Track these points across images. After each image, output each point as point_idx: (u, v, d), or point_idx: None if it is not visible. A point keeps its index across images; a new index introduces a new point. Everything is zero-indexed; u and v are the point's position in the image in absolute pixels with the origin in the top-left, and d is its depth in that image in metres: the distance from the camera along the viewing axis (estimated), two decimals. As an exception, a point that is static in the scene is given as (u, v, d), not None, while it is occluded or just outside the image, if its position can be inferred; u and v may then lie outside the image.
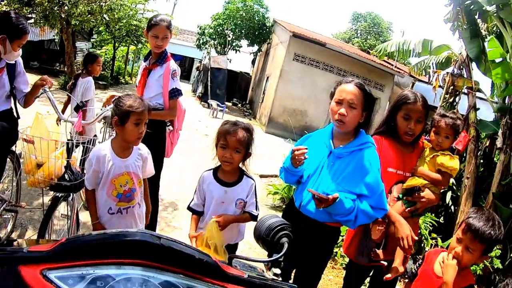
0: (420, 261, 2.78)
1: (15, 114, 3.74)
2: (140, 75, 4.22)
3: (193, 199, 2.94)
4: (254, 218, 2.83)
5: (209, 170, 2.91)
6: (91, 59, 6.16)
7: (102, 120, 4.51)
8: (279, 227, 1.45)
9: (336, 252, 5.76)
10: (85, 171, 3.01)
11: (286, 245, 1.41)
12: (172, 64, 4.11)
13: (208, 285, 1.13)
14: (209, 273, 1.14)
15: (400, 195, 3.06)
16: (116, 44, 23.48)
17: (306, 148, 2.65)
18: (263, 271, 1.40)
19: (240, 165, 2.86)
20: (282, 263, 1.43)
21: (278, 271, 1.40)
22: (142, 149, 3.06)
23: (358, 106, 2.68)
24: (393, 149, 3.10)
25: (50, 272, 1.05)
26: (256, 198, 2.86)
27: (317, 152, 2.85)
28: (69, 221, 3.60)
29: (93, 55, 6.37)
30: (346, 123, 2.69)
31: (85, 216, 4.82)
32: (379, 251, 3.08)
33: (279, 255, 1.38)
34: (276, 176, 8.82)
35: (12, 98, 3.69)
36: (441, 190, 3.42)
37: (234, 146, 2.67)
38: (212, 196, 2.82)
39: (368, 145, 2.76)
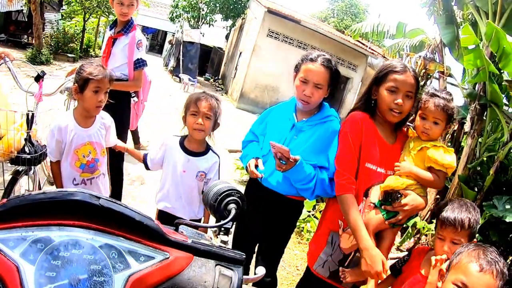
0: (406, 257, 2.58)
1: None
2: (105, 45, 4.15)
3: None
4: None
5: (176, 136, 2.92)
6: None
7: (66, 91, 4.43)
8: (226, 193, 1.45)
9: (303, 227, 5.86)
10: (47, 143, 2.97)
11: (233, 211, 1.41)
12: (138, 34, 4.04)
13: (149, 249, 1.13)
14: (151, 237, 1.14)
15: (377, 202, 2.45)
16: (87, 16, 22.81)
17: (262, 175, 2.73)
18: (211, 238, 1.41)
19: (207, 138, 2.88)
20: (230, 230, 1.44)
21: (225, 238, 1.41)
22: (105, 118, 3.04)
23: (323, 85, 2.67)
24: (375, 137, 2.51)
25: (-9, 234, 1.04)
26: (218, 176, 2.87)
27: (280, 125, 2.85)
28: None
29: None
30: (311, 103, 2.70)
31: (50, 190, 4.75)
32: (348, 270, 2.55)
33: (226, 220, 1.38)
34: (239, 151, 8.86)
35: None
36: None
37: (205, 113, 2.69)
38: (172, 162, 2.83)
39: (331, 118, 2.76)
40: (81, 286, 1.03)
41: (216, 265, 1.23)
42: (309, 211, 6.14)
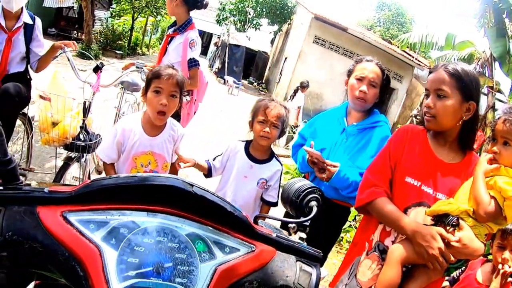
0: (464, 268, 2.59)
1: (28, 76, 3.73)
2: (163, 42, 4.18)
3: (214, 159, 2.83)
4: (272, 205, 2.78)
5: (241, 141, 2.84)
6: None
7: (120, 85, 4.47)
8: (308, 190, 1.41)
9: (342, 237, 5.72)
10: (104, 141, 2.69)
11: (315, 209, 1.38)
12: (192, 34, 3.99)
13: (236, 241, 1.09)
14: (238, 229, 1.10)
15: None
16: (135, 15, 23.33)
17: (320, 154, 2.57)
18: (289, 234, 1.36)
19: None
20: (307, 228, 1.39)
21: (303, 235, 1.37)
22: (176, 129, 2.73)
23: (377, 85, 2.69)
24: (423, 151, 2.11)
25: (71, 214, 1.00)
26: (279, 185, 2.79)
27: (330, 129, 2.84)
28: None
29: None
30: (367, 100, 2.68)
31: (97, 179, 4.80)
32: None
33: (308, 217, 1.35)
34: (288, 156, 8.77)
35: (26, 61, 3.67)
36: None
37: (272, 122, 2.60)
38: (236, 167, 2.76)
39: (380, 124, 2.75)
40: (166, 274, 0.99)
41: (297, 260, 1.22)
42: (350, 221, 5.98)
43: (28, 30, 3.54)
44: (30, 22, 3.54)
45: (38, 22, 3.65)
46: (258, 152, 2.76)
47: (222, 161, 2.82)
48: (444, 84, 1.97)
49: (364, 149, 2.69)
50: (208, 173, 2.83)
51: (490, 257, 2.55)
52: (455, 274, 2.59)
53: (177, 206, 1.03)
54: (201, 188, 1.04)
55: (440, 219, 1.89)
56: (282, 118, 2.64)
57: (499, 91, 7.05)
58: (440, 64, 2.04)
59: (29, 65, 3.70)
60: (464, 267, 2.56)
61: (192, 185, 1.03)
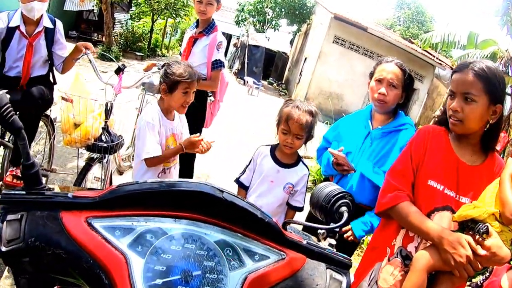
0: (488, 274, 2.52)
1: (51, 79, 3.82)
2: (186, 44, 4.21)
3: (244, 171, 2.83)
4: (298, 210, 2.74)
5: (267, 145, 2.81)
6: None
7: (141, 86, 4.48)
8: (339, 195, 1.36)
9: (363, 240, 5.63)
10: (141, 138, 2.76)
11: (346, 215, 1.33)
12: (219, 36, 4.11)
13: (266, 248, 1.06)
14: (268, 235, 1.07)
15: None
16: (155, 17, 23.49)
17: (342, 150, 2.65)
18: (318, 240, 1.31)
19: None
20: (337, 234, 1.34)
21: (333, 241, 1.32)
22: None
23: (398, 86, 2.63)
24: (446, 154, 2.04)
25: (96, 220, 0.97)
26: (306, 190, 2.74)
27: (355, 133, 2.80)
28: (102, 184, 3.59)
29: None
30: (387, 102, 2.62)
31: (118, 180, 4.81)
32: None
33: (339, 223, 1.30)
34: (309, 157, 8.70)
35: (49, 64, 3.74)
36: None
37: (295, 133, 2.54)
38: (262, 171, 2.72)
39: (406, 127, 2.68)
40: (194, 283, 0.96)
41: (327, 268, 1.19)
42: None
43: (49, 33, 3.59)
44: (51, 26, 3.59)
45: (59, 25, 3.69)
46: (285, 156, 2.71)
47: (251, 168, 2.80)
48: (472, 87, 1.88)
49: (389, 153, 2.63)
50: (241, 187, 2.84)
51: None
52: (478, 280, 2.52)
53: (204, 212, 1.00)
54: (231, 194, 1.01)
55: (467, 225, 1.81)
56: (307, 127, 2.55)
57: (523, 91, 6.93)
58: (466, 63, 1.95)
59: (54, 68, 3.77)
60: (488, 274, 2.48)
61: (222, 191, 0.99)
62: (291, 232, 1.19)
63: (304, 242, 1.15)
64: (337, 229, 1.33)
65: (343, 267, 1.22)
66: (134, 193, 0.96)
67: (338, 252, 1.24)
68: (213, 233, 0.99)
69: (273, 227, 1.05)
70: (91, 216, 0.97)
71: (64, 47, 3.76)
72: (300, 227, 1.40)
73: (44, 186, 1.07)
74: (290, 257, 1.10)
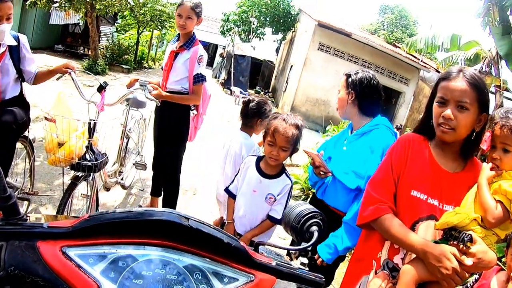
0: (477, 276, 2.48)
1: (25, 98, 3.64)
2: (167, 58, 4.22)
3: (233, 180, 2.93)
4: (276, 222, 2.76)
5: (254, 155, 2.91)
6: None
7: (125, 102, 4.50)
8: (309, 215, 1.39)
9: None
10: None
11: (316, 234, 1.36)
12: (200, 49, 4.12)
13: (234, 271, 1.08)
14: (237, 259, 1.10)
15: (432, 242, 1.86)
16: (140, 29, 23.49)
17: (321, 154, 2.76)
18: (290, 259, 1.35)
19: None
20: (309, 252, 1.38)
21: (305, 260, 1.34)
22: None
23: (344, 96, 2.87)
24: (427, 163, 2.03)
25: (70, 249, 1.00)
26: (287, 201, 2.78)
27: (336, 140, 3.02)
28: (88, 201, 3.59)
29: None
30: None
31: (104, 197, 4.83)
32: None
33: (309, 244, 1.33)
34: (297, 166, 8.74)
35: (21, 83, 3.58)
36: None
37: (281, 145, 2.61)
38: (247, 180, 2.82)
39: (377, 127, 2.75)
40: None
41: (298, 287, 1.21)
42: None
43: (14, 51, 3.40)
44: (14, 43, 3.37)
45: (23, 39, 3.48)
46: (269, 168, 2.78)
47: (239, 178, 2.90)
48: (466, 95, 1.87)
49: (360, 153, 2.69)
50: (230, 196, 2.94)
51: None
52: (469, 283, 2.49)
53: (174, 238, 1.04)
54: (197, 221, 1.04)
55: (451, 235, 1.81)
56: (292, 140, 2.62)
57: (507, 89, 7.01)
58: (454, 70, 1.95)
59: (25, 82, 3.61)
60: (478, 276, 2.46)
61: (188, 219, 1.03)
62: (262, 253, 1.23)
63: (274, 263, 1.17)
64: (309, 248, 1.35)
65: (314, 286, 1.23)
66: (104, 223, 1.00)
67: (309, 271, 1.26)
68: (182, 258, 1.03)
69: (240, 251, 1.08)
70: (66, 245, 1.00)
71: (32, 61, 3.58)
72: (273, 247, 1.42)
73: (22, 216, 1.10)
74: (259, 278, 1.12)
